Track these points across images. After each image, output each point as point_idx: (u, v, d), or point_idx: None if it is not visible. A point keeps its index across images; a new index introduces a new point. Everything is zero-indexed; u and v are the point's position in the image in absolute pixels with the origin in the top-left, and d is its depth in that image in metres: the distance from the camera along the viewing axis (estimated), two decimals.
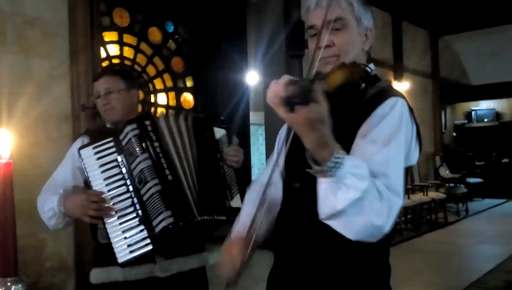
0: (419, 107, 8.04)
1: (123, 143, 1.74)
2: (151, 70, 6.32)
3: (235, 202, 1.77)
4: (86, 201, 1.67)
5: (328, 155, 0.92)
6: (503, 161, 10.53)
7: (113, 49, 5.86)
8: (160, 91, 6.46)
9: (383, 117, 1.09)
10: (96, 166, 1.74)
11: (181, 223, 1.63)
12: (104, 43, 5.64)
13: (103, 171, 1.73)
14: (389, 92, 1.16)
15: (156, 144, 1.72)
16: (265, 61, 5.36)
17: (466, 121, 11.70)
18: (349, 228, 0.98)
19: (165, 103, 6.51)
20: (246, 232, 1.19)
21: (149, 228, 1.65)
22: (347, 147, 1.08)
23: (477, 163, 10.68)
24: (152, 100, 6.36)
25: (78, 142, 1.89)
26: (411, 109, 1.17)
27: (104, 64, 5.62)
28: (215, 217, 1.72)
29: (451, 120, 11.88)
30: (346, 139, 1.09)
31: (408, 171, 1.21)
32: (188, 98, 6.74)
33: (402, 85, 7.38)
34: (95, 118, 3.39)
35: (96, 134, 1.86)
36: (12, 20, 3.12)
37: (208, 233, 1.85)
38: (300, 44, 5.01)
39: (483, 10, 7.49)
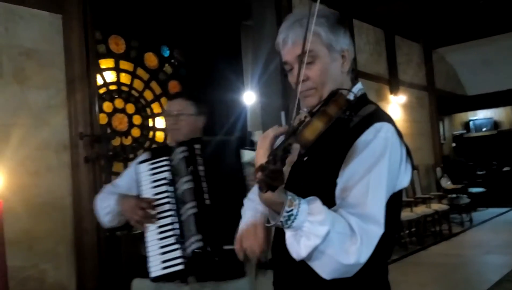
0: (417, 120, 8.06)
1: (174, 163, 1.84)
2: (148, 95, 6.36)
3: None
4: (135, 207, 1.78)
5: (280, 209, 0.94)
6: (504, 169, 10.50)
7: (110, 76, 5.91)
8: (158, 115, 6.48)
9: (366, 145, 1.08)
10: (149, 181, 1.85)
11: (208, 249, 1.67)
12: (100, 71, 5.69)
13: (154, 187, 1.84)
14: (374, 118, 1.14)
15: (201, 167, 1.80)
16: (262, 81, 5.40)
17: (464, 131, 11.71)
18: (320, 269, 1.00)
19: (163, 126, 6.53)
20: (264, 221, 1.19)
21: (183, 248, 1.71)
22: (333, 179, 1.09)
23: (478, 172, 10.65)
24: (151, 124, 6.38)
25: (142, 156, 2.01)
26: (398, 132, 1.16)
27: (101, 91, 5.66)
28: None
29: (450, 131, 11.89)
30: (331, 171, 1.10)
31: (401, 194, 1.20)
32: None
33: (398, 99, 7.42)
34: (93, 146, 3.40)
35: (157, 151, 1.97)
36: (7, 52, 3.16)
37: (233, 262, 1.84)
38: None
39: (474, 22, 7.58)
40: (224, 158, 1.85)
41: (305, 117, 1.07)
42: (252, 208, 1.35)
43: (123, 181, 2.04)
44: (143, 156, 2.01)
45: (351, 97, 1.18)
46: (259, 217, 1.26)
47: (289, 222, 0.94)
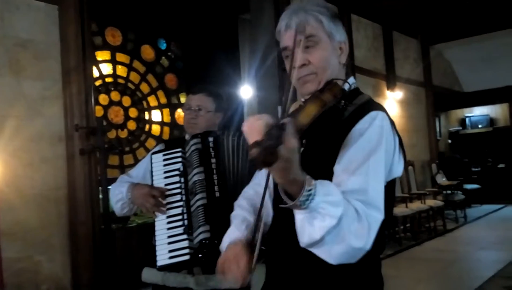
0: (413, 116, 8.07)
1: (187, 154, 1.87)
2: (144, 88, 6.35)
3: None
4: (147, 194, 1.80)
5: (299, 189, 0.92)
6: (499, 166, 10.54)
7: (106, 68, 5.89)
8: (154, 108, 6.47)
9: (362, 133, 1.09)
10: (162, 172, 1.87)
11: (216, 241, 1.66)
12: (97, 63, 5.67)
13: (166, 177, 1.86)
14: (369, 107, 1.16)
15: (213, 160, 1.82)
16: (259, 75, 5.38)
17: (460, 128, 11.74)
18: (330, 254, 0.99)
19: (159, 120, 6.52)
20: (249, 239, 1.20)
21: (190, 239, 1.73)
22: (329, 168, 1.09)
23: (473, 169, 10.69)
24: (147, 117, 6.37)
25: (157, 147, 2.04)
26: (392, 122, 1.17)
27: (97, 83, 5.64)
28: None
29: (446, 127, 11.91)
30: (329, 159, 1.11)
31: (394, 183, 1.21)
32: (182, 114, 6.76)
33: (395, 95, 7.42)
34: (89, 138, 3.39)
35: (171, 143, 2.00)
36: (3, 42, 3.13)
37: None
38: None
39: (473, 18, 7.58)
40: (240, 153, 1.87)
41: (300, 106, 1.08)
42: (240, 217, 1.34)
43: (138, 171, 2.07)
44: (157, 147, 2.04)
45: (346, 87, 1.19)
46: (244, 232, 1.26)
47: (307, 202, 0.93)
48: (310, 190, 0.93)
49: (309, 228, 0.96)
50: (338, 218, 0.94)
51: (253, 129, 0.88)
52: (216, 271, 1.24)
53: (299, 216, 0.97)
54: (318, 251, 1.00)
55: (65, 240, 3.31)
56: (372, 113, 1.13)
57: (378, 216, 1.02)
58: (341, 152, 1.10)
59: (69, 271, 3.32)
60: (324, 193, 0.94)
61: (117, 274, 3.43)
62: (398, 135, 1.19)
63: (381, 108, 1.18)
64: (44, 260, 3.19)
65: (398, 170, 1.17)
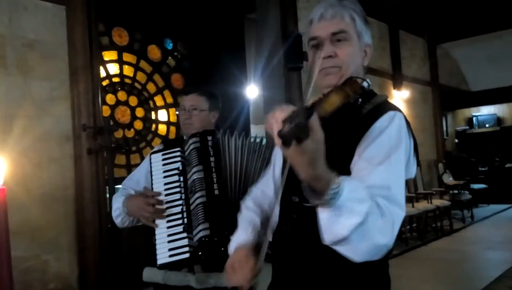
0: (420, 115, 8.04)
1: (186, 153, 1.88)
2: (151, 87, 6.37)
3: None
4: (143, 204, 1.79)
5: (325, 186, 0.90)
6: (506, 166, 10.49)
7: (113, 68, 5.91)
8: (161, 108, 6.49)
9: (382, 131, 1.10)
10: (161, 171, 1.87)
11: (215, 238, 1.68)
12: (103, 62, 5.69)
13: (165, 177, 1.86)
14: (387, 106, 1.18)
15: (212, 158, 1.84)
16: (265, 75, 5.38)
17: (467, 127, 11.68)
18: (355, 252, 0.97)
19: (166, 119, 6.54)
20: (256, 241, 1.23)
21: (190, 237, 1.73)
22: (347, 164, 1.09)
23: (480, 169, 10.64)
24: (153, 117, 6.39)
25: (156, 147, 2.04)
26: (408, 123, 1.18)
27: (104, 83, 5.67)
28: None
29: (453, 126, 11.86)
30: (345, 156, 1.11)
31: (407, 183, 1.22)
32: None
33: (401, 94, 7.39)
34: (96, 137, 3.41)
35: (169, 143, 2.01)
36: (11, 43, 3.16)
37: None
38: (298, 57, 5.05)
39: (480, 17, 7.54)
40: (245, 152, 1.88)
41: (324, 95, 1.10)
42: (247, 220, 1.36)
43: (140, 173, 2.07)
44: (156, 147, 2.05)
45: (365, 85, 1.21)
46: (251, 237, 1.28)
47: (333, 200, 0.91)
48: (336, 187, 0.91)
49: (335, 226, 0.94)
50: (364, 214, 0.92)
51: (280, 113, 0.86)
52: (225, 277, 1.27)
53: (324, 214, 0.95)
54: (343, 249, 0.98)
55: (73, 239, 3.34)
56: (391, 112, 1.14)
57: (400, 213, 1.02)
58: (360, 148, 1.10)
59: (76, 270, 3.34)
60: (350, 190, 0.92)
61: (124, 273, 3.45)
62: (414, 137, 1.20)
63: (398, 108, 1.20)
64: (52, 259, 3.22)
65: (412, 171, 1.18)
